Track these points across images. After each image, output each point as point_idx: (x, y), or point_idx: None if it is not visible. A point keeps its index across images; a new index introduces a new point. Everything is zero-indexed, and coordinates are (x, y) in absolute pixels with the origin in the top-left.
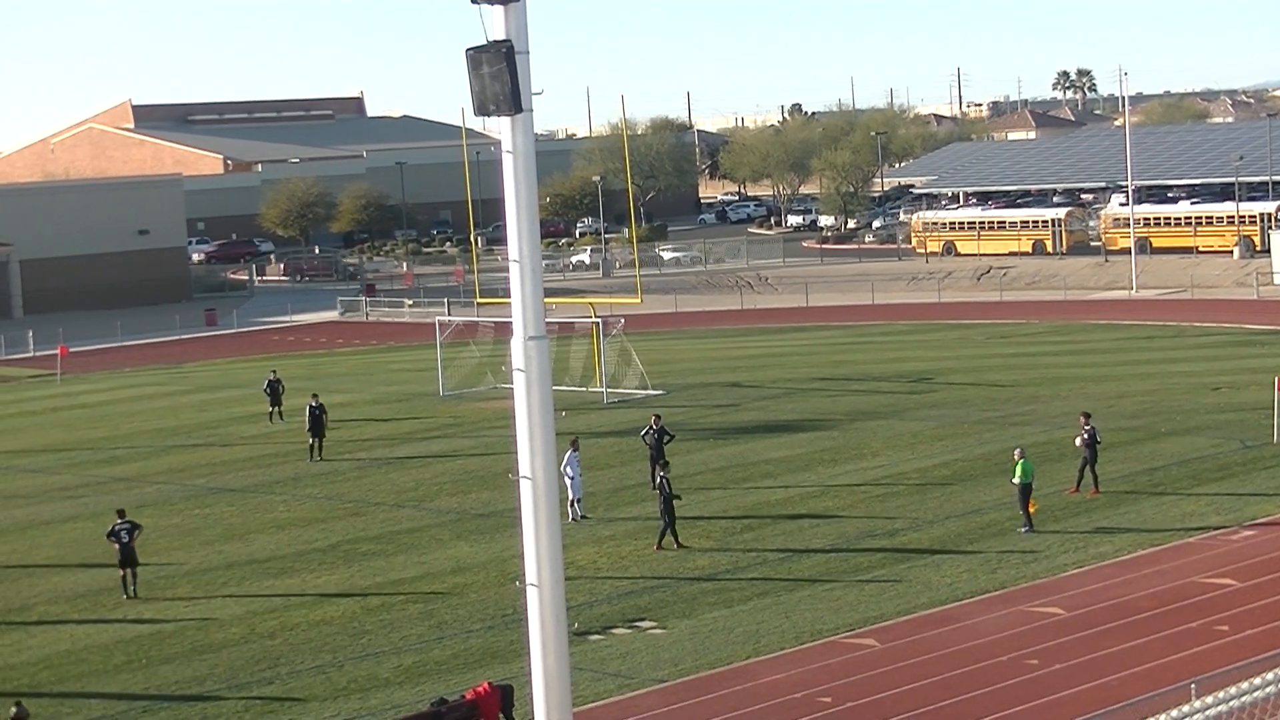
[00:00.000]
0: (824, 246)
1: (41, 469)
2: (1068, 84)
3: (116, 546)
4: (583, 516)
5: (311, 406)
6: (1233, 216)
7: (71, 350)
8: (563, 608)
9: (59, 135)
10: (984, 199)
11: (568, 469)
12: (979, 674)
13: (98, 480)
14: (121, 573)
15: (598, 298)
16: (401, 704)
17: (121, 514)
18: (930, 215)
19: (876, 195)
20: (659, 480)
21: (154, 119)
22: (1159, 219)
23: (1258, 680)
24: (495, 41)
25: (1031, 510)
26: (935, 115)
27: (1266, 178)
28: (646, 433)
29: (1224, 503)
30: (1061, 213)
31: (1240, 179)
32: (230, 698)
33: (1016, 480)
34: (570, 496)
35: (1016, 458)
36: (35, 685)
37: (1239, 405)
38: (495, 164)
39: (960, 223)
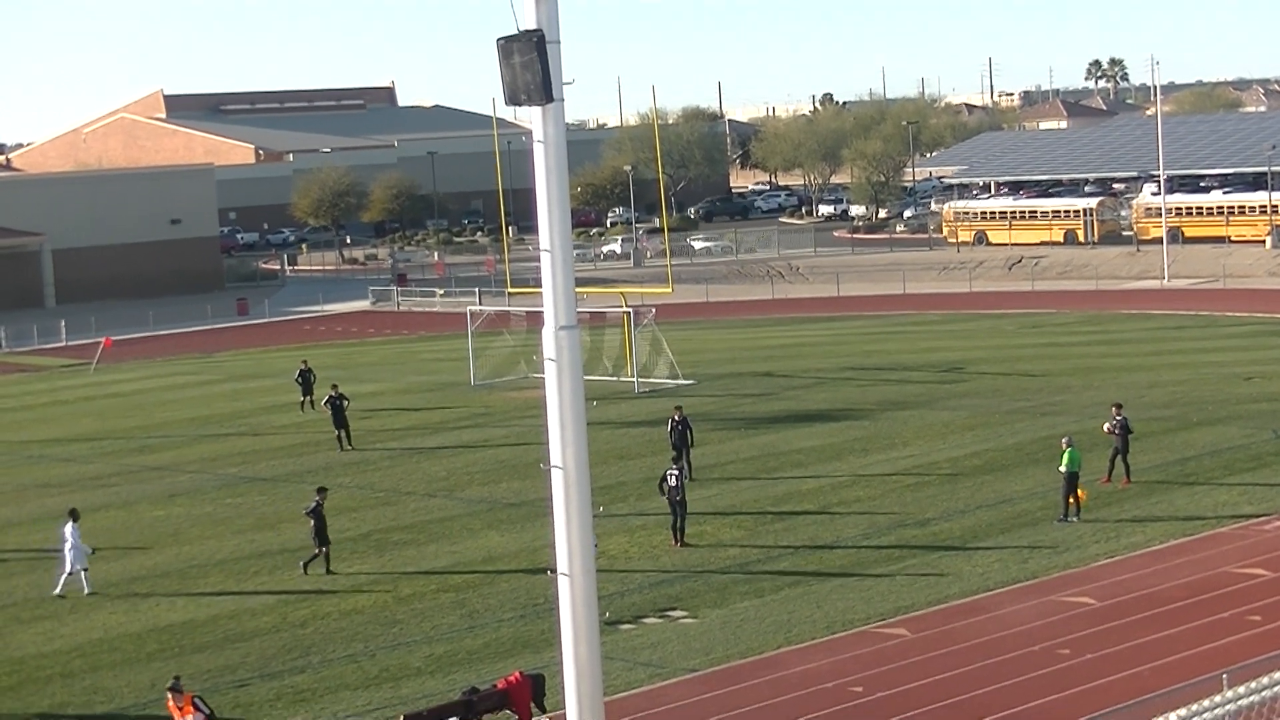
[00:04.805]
0: (855, 236)
1: (74, 458)
2: (1099, 73)
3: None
4: (90, 593)
5: (332, 397)
6: (1265, 206)
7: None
8: (594, 597)
9: (91, 125)
10: (1015, 188)
11: (69, 538)
12: (1010, 664)
13: (130, 469)
14: (317, 550)
15: (629, 287)
16: (433, 693)
17: (321, 491)
18: (961, 205)
19: (908, 185)
20: (671, 475)
21: (186, 109)
22: (1191, 208)
23: None
24: (526, 31)
25: (1082, 498)
26: (966, 105)
27: None
28: (672, 429)
29: (1256, 492)
30: (1093, 202)
31: (1273, 168)
32: (262, 686)
33: (1063, 468)
34: (69, 569)
35: (1064, 446)
36: (68, 672)
37: (1271, 395)
38: (526, 153)
39: (992, 212)
